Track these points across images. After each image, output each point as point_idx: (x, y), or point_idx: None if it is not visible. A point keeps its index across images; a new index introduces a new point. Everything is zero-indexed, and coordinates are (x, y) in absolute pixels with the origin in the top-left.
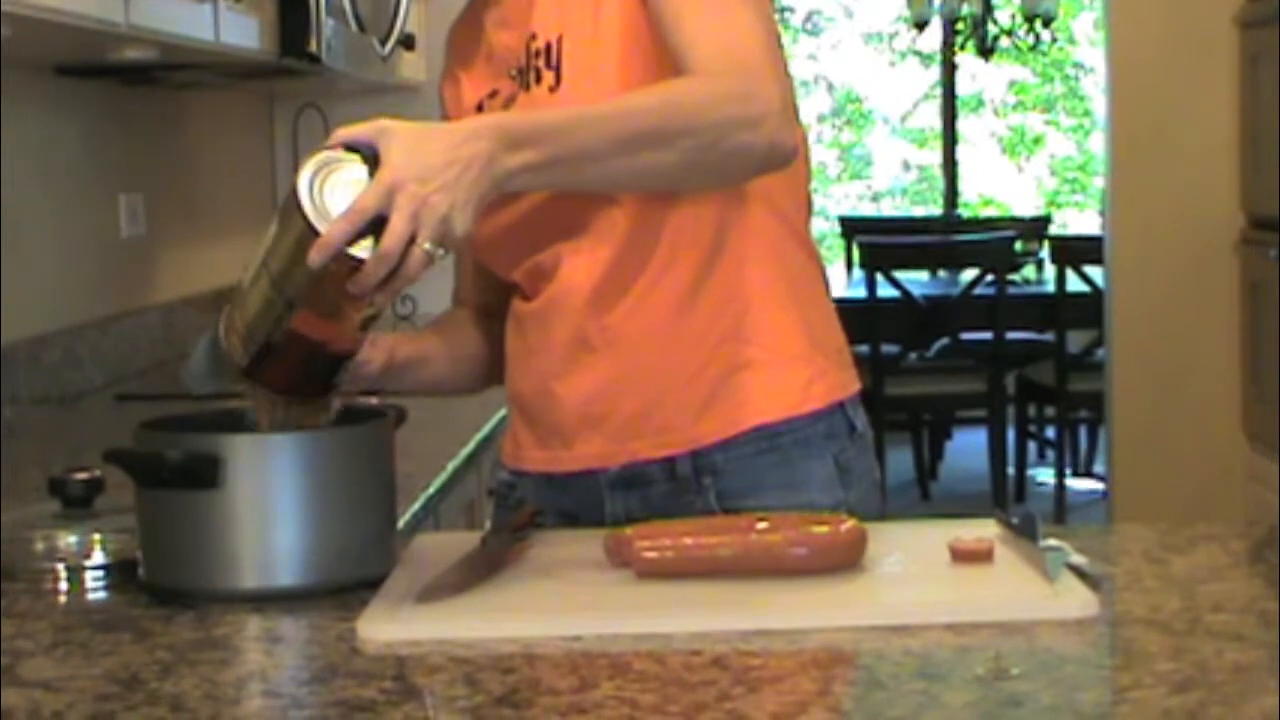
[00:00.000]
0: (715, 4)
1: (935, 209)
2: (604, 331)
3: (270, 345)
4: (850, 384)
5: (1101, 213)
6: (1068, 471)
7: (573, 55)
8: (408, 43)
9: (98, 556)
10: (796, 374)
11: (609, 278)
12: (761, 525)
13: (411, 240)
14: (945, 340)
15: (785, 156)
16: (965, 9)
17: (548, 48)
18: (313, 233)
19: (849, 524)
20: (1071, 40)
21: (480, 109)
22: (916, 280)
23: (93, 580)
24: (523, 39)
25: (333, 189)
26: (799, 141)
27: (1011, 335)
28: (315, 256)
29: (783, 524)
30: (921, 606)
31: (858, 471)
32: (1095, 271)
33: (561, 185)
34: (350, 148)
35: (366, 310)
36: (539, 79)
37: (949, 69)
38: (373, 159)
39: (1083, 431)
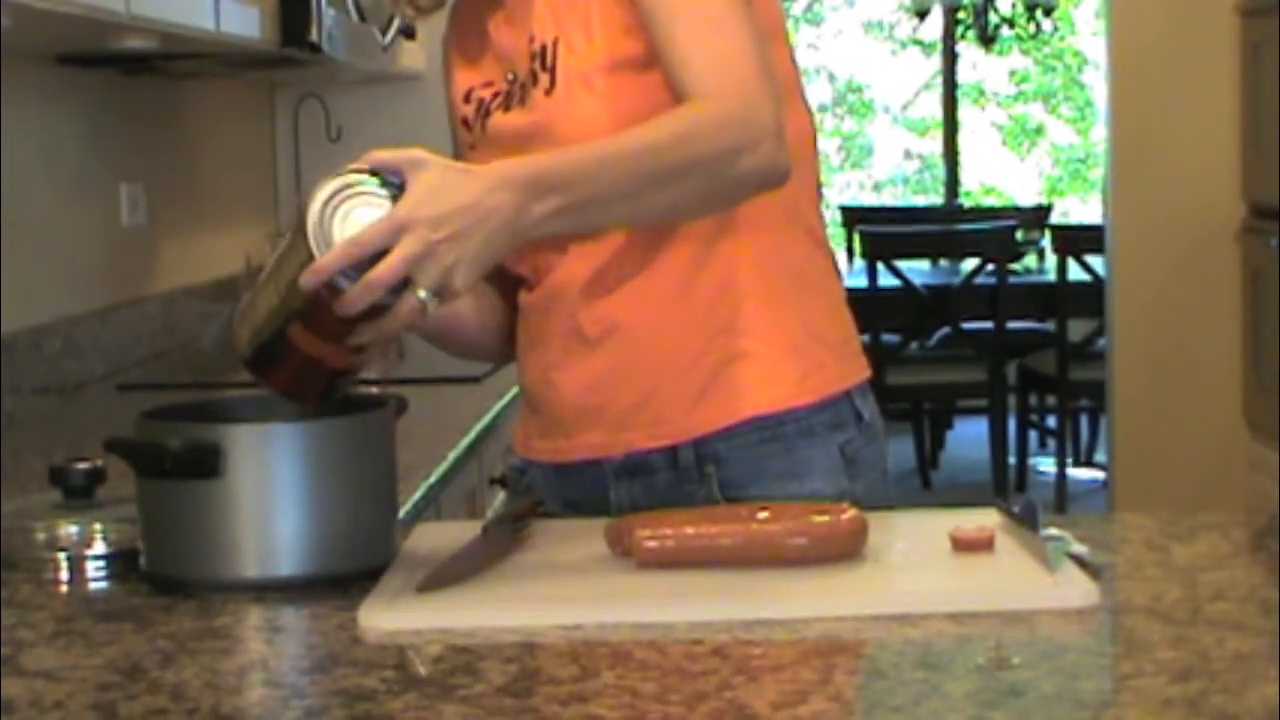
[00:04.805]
0: (707, 18)
1: (936, 198)
2: (599, 323)
3: (270, 348)
4: (853, 374)
5: (1103, 202)
6: (1069, 461)
7: (566, 59)
8: (408, 32)
9: (99, 546)
10: (791, 367)
11: (605, 269)
12: (762, 515)
13: (408, 284)
14: (946, 329)
15: (781, 178)
16: None
17: (543, 50)
18: (312, 258)
19: (850, 513)
20: (1072, 29)
21: (468, 97)
22: (917, 269)
23: (94, 570)
24: (523, 40)
25: (345, 217)
26: (790, 162)
27: (1012, 324)
28: (306, 279)
29: (783, 513)
30: (922, 596)
31: (865, 462)
32: (1096, 260)
33: (583, 228)
34: (379, 173)
35: (359, 339)
36: (535, 81)
37: (950, 58)
38: (397, 190)
39: (1084, 421)
